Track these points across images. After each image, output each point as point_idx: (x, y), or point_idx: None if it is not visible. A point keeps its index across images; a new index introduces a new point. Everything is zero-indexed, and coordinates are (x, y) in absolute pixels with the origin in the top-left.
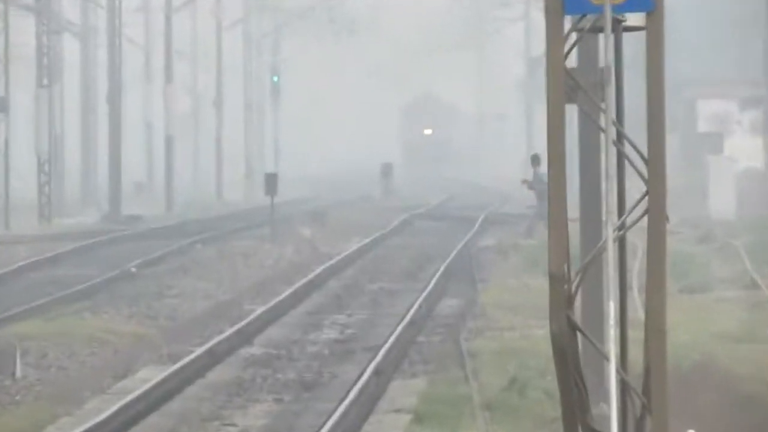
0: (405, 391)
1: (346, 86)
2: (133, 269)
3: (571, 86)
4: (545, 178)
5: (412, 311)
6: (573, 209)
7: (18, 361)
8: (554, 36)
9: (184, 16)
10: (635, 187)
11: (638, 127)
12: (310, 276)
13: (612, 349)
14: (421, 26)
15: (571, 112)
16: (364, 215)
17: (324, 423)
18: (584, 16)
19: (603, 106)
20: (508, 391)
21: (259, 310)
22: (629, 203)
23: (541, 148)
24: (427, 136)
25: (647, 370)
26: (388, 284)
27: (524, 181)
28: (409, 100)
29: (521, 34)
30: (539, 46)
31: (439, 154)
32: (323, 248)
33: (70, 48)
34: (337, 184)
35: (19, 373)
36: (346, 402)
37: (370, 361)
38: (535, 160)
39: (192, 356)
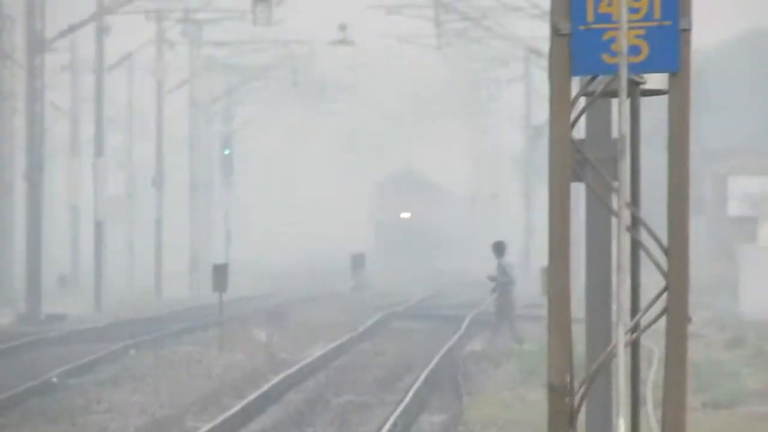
0: None
1: (315, 158)
2: (55, 379)
3: (578, 161)
4: (510, 270)
5: (385, 430)
6: (578, 308)
7: None
8: (559, 101)
9: (119, 77)
10: (652, 282)
11: (657, 210)
12: (266, 387)
13: None
14: (405, 90)
15: (578, 191)
16: (331, 315)
17: None
18: (595, 77)
19: (616, 184)
20: None
21: (204, 428)
22: (644, 301)
23: (543, 232)
24: (404, 220)
25: None
26: (357, 397)
27: (490, 278)
28: (384, 175)
29: (521, 98)
30: (542, 113)
31: (418, 243)
32: (282, 354)
33: None
34: (300, 276)
35: None
36: None
37: None
38: (498, 249)
39: None
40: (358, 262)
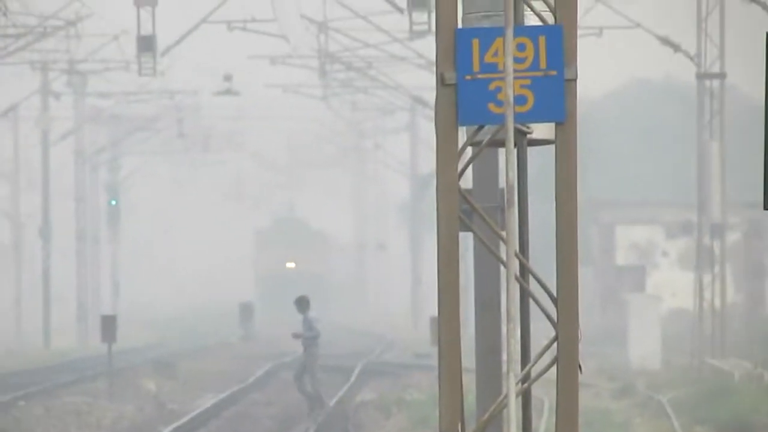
0: None
1: (201, 208)
2: None
3: (466, 210)
4: (316, 324)
5: None
6: (468, 357)
7: None
8: (446, 150)
9: (5, 128)
10: (541, 331)
11: (545, 260)
12: None
13: None
14: (289, 140)
15: (467, 240)
16: (220, 365)
17: None
18: (482, 127)
19: (503, 234)
20: None
21: None
22: (534, 350)
23: (431, 281)
24: (289, 270)
25: None
26: None
27: (295, 335)
28: (265, 223)
29: (406, 147)
30: (428, 163)
31: (305, 293)
32: (171, 405)
33: None
34: (189, 326)
35: None
36: None
37: None
38: (301, 304)
39: None
40: (246, 312)
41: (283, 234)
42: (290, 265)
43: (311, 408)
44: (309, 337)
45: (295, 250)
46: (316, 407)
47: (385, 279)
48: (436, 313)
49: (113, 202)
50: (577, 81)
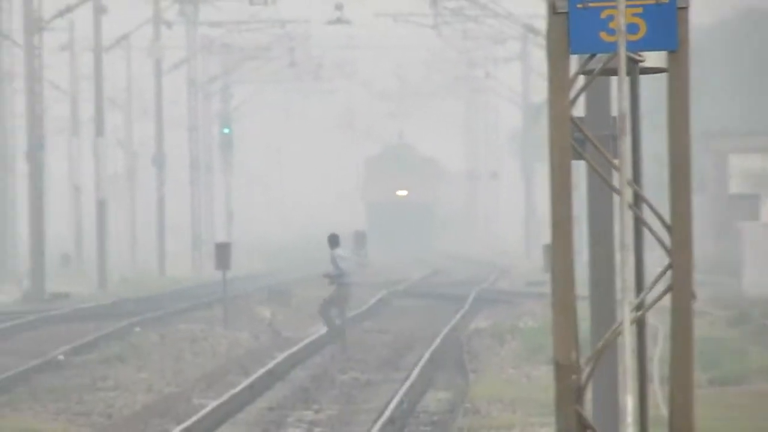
0: None
1: (312, 137)
2: (61, 357)
3: (578, 139)
4: (341, 262)
5: (392, 406)
6: (581, 286)
7: None
8: (558, 80)
9: (117, 57)
10: (656, 260)
11: (659, 188)
12: (271, 365)
13: None
14: (401, 70)
15: (579, 168)
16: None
17: None
18: (594, 55)
19: (617, 162)
20: None
21: (211, 405)
22: (649, 279)
23: (544, 210)
24: (401, 197)
25: None
26: (362, 375)
27: (326, 275)
28: (376, 150)
29: (518, 77)
30: (540, 92)
31: (418, 222)
32: (286, 332)
33: None
34: (301, 255)
35: None
36: None
37: None
38: (331, 241)
39: None
40: (359, 240)
41: (393, 161)
42: (401, 193)
43: (331, 336)
44: (335, 276)
45: (405, 177)
46: (338, 340)
47: (497, 208)
48: (549, 241)
49: (226, 131)
50: (690, 9)
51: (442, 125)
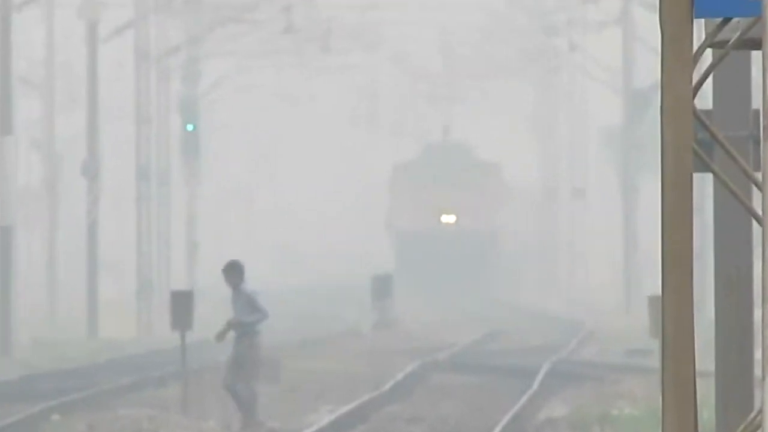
0: None
1: (316, 134)
2: None
3: (703, 142)
4: (258, 301)
5: None
6: (704, 356)
7: None
8: (675, 54)
9: (33, 18)
10: None
11: None
12: None
13: None
14: (445, 40)
15: (704, 183)
16: (342, 365)
17: None
18: (727, 21)
19: (759, 176)
20: None
21: None
22: None
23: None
24: (446, 225)
25: None
26: None
27: (232, 324)
28: (410, 154)
29: (616, 50)
30: (649, 72)
31: (470, 261)
32: (271, 422)
33: None
34: (299, 307)
35: None
36: None
37: None
38: (236, 272)
39: None
40: (381, 287)
41: (434, 170)
42: (447, 218)
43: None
44: (246, 324)
45: (453, 194)
46: (246, 416)
47: (583, 240)
48: (658, 291)
49: (190, 127)
50: None
51: (505, 119)
